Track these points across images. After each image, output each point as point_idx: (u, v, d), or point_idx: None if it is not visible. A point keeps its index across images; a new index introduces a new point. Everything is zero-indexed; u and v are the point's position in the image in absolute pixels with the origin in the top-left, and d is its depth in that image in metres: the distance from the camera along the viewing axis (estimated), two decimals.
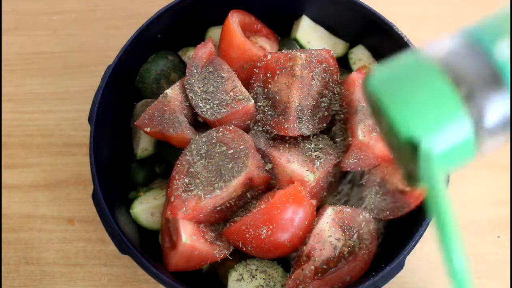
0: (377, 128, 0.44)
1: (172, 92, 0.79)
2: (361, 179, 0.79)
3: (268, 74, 0.79)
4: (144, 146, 0.87)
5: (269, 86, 0.79)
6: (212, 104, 0.78)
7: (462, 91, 0.39)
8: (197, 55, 0.82)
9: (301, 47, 0.92)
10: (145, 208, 0.82)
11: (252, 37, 0.90)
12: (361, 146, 0.73)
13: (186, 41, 0.93)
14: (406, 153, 0.41)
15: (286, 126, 0.75)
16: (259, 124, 0.79)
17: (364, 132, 0.73)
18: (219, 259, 0.72)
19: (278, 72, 0.78)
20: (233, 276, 0.76)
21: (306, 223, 0.72)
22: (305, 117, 0.77)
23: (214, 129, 0.75)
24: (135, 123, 0.79)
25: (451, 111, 0.39)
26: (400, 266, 0.70)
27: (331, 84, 0.80)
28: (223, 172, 0.71)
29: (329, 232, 0.72)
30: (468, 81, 0.39)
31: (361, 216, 0.74)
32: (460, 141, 0.40)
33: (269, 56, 0.80)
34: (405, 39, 0.81)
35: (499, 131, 0.40)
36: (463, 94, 0.39)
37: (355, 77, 0.78)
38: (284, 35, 0.95)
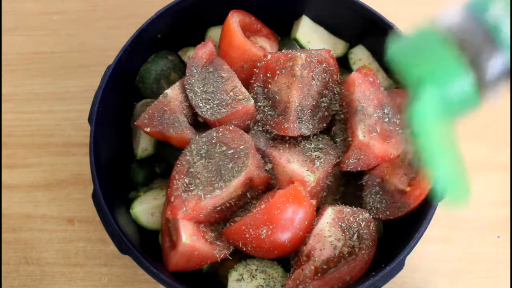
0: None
1: (172, 92, 0.79)
2: (361, 179, 0.80)
3: (268, 74, 0.79)
4: (144, 146, 0.87)
5: (269, 86, 0.79)
6: (212, 104, 0.78)
7: (466, 53, 0.48)
8: (197, 55, 0.82)
9: (301, 47, 0.92)
10: (145, 208, 0.82)
11: (252, 37, 0.90)
12: (361, 146, 0.73)
13: (186, 41, 0.93)
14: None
15: (286, 126, 0.75)
16: (259, 124, 0.79)
17: (364, 132, 0.73)
18: (219, 259, 0.72)
19: (278, 72, 0.78)
20: (233, 276, 0.76)
21: (306, 223, 0.72)
22: (305, 117, 0.77)
23: (214, 129, 0.75)
24: (135, 123, 0.79)
25: (456, 72, 0.49)
26: (400, 266, 0.70)
27: (331, 84, 0.80)
28: (223, 172, 0.71)
29: (329, 232, 0.72)
30: (470, 45, 0.48)
31: (361, 216, 0.74)
32: (465, 93, 0.50)
33: (269, 56, 0.80)
34: None
35: (498, 82, 0.49)
36: (467, 56, 0.48)
37: (355, 77, 0.78)
38: (284, 35, 0.95)
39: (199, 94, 0.79)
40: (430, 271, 0.90)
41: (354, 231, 0.73)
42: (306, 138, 0.79)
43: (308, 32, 0.92)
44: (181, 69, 0.91)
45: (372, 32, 0.88)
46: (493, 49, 0.47)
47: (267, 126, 0.78)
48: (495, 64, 0.47)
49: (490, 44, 0.47)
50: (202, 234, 0.73)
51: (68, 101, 1.03)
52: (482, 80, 0.49)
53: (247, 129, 0.80)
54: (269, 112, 0.78)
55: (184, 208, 0.70)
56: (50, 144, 1.00)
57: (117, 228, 0.72)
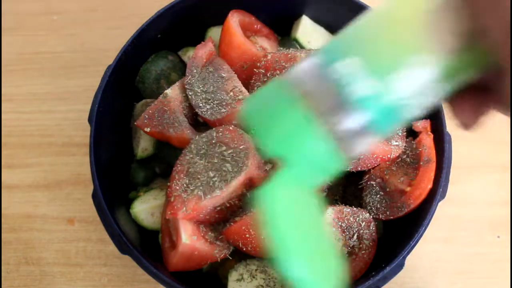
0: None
1: (172, 92, 0.79)
2: (361, 179, 0.80)
3: (268, 74, 0.79)
4: (144, 146, 0.87)
5: None
6: (212, 104, 0.78)
7: (314, 108, 0.42)
8: (197, 55, 0.82)
9: (301, 47, 0.92)
10: (145, 208, 0.82)
11: (252, 37, 0.90)
12: None
13: (186, 41, 0.93)
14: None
15: None
16: None
17: None
18: (219, 259, 0.72)
19: (278, 72, 0.78)
20: (233, 276, 0.76)
21: None
22: None
23: (214, 129, 0.75)
24: (135, 123, 0.79)
25: (306, 130, 0.42)
26: (400, 266, 0.70)
27: None
28: (223, 172, 0.71)
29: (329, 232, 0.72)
30: (319, 102, 0.41)
31: (361, 216, 0.74)
32: (322, 153, 0.42)
33: (269, 56, 0.80)
34: None
35: (356, 138, 0.42)
36: (316, 111, 0.41)
37: None
38: (284, 35, 0.95)
39: (199, 94, 0.79)
40: (430, 271, 0.90)
41: (354, 231, 0.73)
42: None
43: (308, 32, 0.92)
44: (181, 69, 0.91)
45: None
46: (341, 107, 0.41)
47: None
48: (346, 123, 0.41)
49: (338, 101, 0.40)
50: (202, 234, 0.73)
51: (68, 101, 1.03)
52: (336, 136, 0.41)
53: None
54: None
55: (184, 208, 0.70)
56: (50, 144, 1.00)
57: (117, 228, 0.72)
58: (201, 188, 0.71)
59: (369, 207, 0.77)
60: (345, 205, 0.76)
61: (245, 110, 0.46)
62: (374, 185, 0.78)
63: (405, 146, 0.77)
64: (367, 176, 0.79)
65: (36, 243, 0.93)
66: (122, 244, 0.72)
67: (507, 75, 0.35)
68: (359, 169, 0.77)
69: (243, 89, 0.79)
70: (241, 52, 0.82)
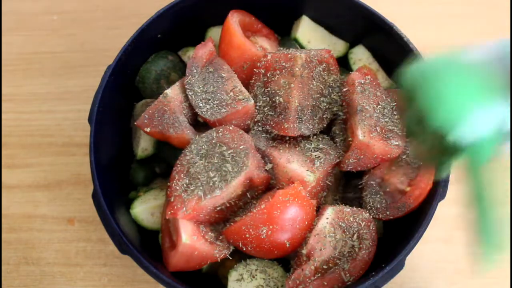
0: (402, 118, 0.49)
1: (172, 92, 0.79)
2: (361, 179, 0.80)
3: (268, 74, 0.79)
4: (144, 146, 0.87)
5: (269, 86, 0.79)
6: (212, 104, 0.78)
7: (493, 91, 0.44)
8: (197, 55, 0.82)
9: (301, 47, 0.92)
10: (145, 208, 0.82)
11: (252, 37, 0.90)
12: (361, 146, 0.73)
13: (186, 41, 0.93)
14: (434, 143, 0.47)
15: (286, 126, 0.75)
16: (259, 124, 0.79)
17: (364, 132, 0.73)
18: (219, 259, 0.72)
19: (278, 72, 0.78)
20: (233, 276, 0.76)
21: (306, 223, 0.72)
22: (305, 117, 0.77)
23: (214, 129, 0.75)
24: (135, 123, 0.79)
25: (484, 106, 0.44)
26: (400, 266, 0.70)
27: (331, 84, 0.80)
28: (223, 172, 0.71)
29: (329, 232, 0.72)
30: (497, 84, 0.44)
31: (361, 216, 0.74)
32: (486, 135, 0.44)
33: (269, 56, 0.80)
34: (405, 39, 0.81)
35: None
36: (493, 94, 0.44)
37: (355, 77, 0.78)
38: (284, 35, 0.95)
39: (199, 94, 0.79)
40: (430, 271, 0.90)
41: (354, 231, 0.73)
42: (306, 138, 0.79)
43: (308, 32, 0.92)
44: (181, 69, 0.91)
45: (372, 32, 0.88)
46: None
47: (267, 126, 0.78)
48: None
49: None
50: (202, 234, 0.73)
51: (68, 101, 1.03)
52: (502, 127, 0.44)
53: (247, 129, 0.80)
54: (269, 112, 0.78)
55: (184, 208, 0.70)
56: (50, 144, 1.00)
57: (117, 228, 0.72)
58: (201, 188, 0.71)
59: (369, 207, 0.77)
60: (345, 205, 0.76)
61: (412, 75, 0.47)
62: (374, 185, 0.78)
63: (405, 146, 0.77)
64: (367, 176, 0.79)
65: (36, 243, 0.93)
66: (122, 244, 0.72)
67: None
68: (359, 169, 0.77)
69: (243, 89, 0.79)
70: (241, 52, 0.82)
